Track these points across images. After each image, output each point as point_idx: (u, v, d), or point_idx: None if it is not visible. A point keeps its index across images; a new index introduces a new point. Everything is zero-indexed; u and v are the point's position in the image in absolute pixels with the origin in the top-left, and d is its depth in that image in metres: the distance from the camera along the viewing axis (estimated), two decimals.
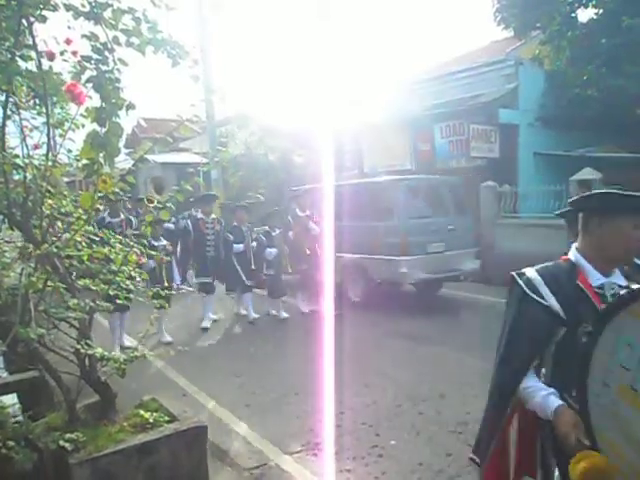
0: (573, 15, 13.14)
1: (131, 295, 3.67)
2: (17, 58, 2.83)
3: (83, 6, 2.72)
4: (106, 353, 3.25)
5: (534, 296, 1.94)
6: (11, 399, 3.55)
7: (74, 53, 2.86)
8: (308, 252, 8.35)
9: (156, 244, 6.72)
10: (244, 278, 8.29)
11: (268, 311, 8.64)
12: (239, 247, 8.24)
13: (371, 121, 13.36)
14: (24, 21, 2.77)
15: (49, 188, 3.13)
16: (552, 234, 9.61)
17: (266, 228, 8.53)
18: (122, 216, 7.12)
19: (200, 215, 8.08)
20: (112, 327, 6.88)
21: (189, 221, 8.23)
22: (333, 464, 3.89)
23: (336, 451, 4.09)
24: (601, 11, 12.59)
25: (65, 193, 3.39)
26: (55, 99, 3.18)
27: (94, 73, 2.74)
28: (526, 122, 12.35)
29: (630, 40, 11.21)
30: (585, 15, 13.46)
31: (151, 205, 10.70)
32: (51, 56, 2.79)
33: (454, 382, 5.33)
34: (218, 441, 4.20)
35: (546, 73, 13.21)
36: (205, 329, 7.90)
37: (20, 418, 3.28)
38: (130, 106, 2.85)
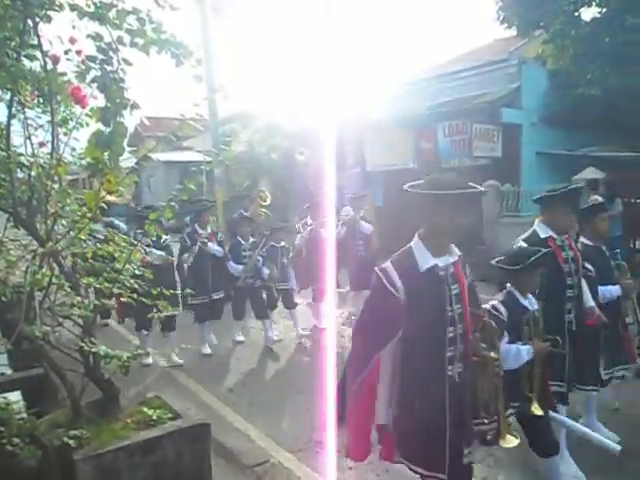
0: (576, 14, 13.11)
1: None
2: (22, 58, 2.85)
3: (88, 6, 2.73)
4: (109, 351, 3.26)
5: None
6: (16, 396, 3.56)
7: (78, 52, 2.87)
8: None
9: None
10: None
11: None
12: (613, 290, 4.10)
13: (373, 120, 13.38)
14: (29, 21, 2.78)
15: (54, 186, 3.15)
16: None
17: None
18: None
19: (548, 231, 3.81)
20: None
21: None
22: (335, 462, 3.90)
23: (339, 449, 4.10)
24: (605, 10, 12.56)
25: (69, 191, 3.41)
26: (59, 98, 3.19)
27: (99, 73, 2.76)
28: (529, 121, 12.34)
29: (634, 39, 11.20)
30: (589, 14, 13.36)
31: (264, 204, 9.82)
32: (56, 60, 2.81)
33: None
34: (221, 439, 4.22)
35: (549, 72, 13.18)
36: None
37: (24, 415, 3.28)
38: (134, 106, 2.86)
